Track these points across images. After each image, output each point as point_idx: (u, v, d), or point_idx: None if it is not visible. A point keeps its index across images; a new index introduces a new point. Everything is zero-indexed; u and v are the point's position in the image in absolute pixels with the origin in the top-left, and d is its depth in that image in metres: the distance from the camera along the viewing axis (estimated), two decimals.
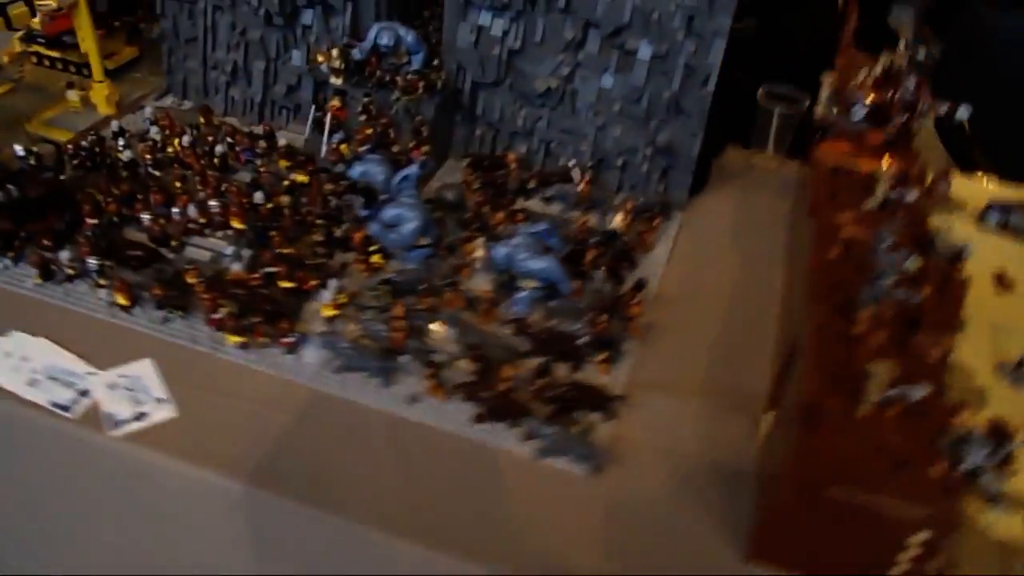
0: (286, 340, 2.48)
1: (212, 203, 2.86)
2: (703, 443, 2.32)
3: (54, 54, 3.72)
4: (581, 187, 3.15)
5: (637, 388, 2.45)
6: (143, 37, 4.05)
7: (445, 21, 3.25)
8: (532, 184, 3.22)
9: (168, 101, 3.73)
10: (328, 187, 3.05)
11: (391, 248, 2.78)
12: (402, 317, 2.47)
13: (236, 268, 2.67)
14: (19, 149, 2.86)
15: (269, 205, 2.96)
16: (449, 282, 2.69)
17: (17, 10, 3.07)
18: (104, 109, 3.62)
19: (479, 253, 2.78)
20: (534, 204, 3.21)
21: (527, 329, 2.55)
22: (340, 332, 2.53)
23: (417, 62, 3.22)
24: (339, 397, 2.41)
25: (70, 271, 2.69)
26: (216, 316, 2.53)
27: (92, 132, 3.26)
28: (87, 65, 3.69)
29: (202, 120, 3.46)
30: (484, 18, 3.15)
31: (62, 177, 2.84)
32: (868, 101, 2.91)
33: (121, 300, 2.59)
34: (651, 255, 2.99)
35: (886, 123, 2.90)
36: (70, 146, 3.15)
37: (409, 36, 3.16)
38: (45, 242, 2.79)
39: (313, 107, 3.25)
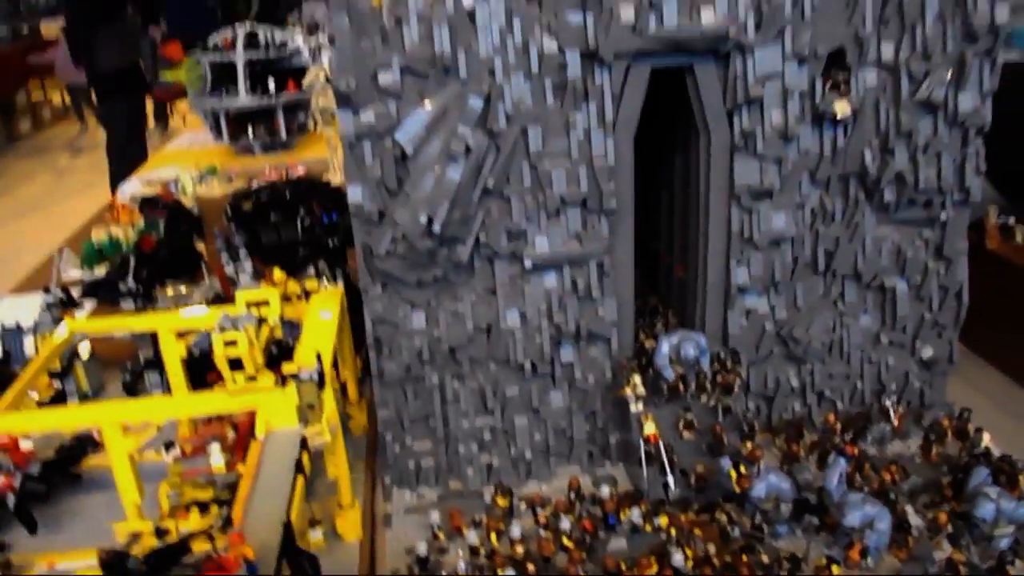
0: None
1: None
2: None
3: None
4: (897, 422, 3.26)
5: None
6: None
7: (705, 310, 3.27)
8: (839, 438, 3.26)
9: (406, 496, 3.18)
10: (721, 517, 2.81)
11: (874, 552, 2.63)
12: None
13: None
14: None
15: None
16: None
17: None
18: (354, 535, 2.96)
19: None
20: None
21: None
22: None
23: (705, 361, 3.18)
24: None
25: None
26: None
27: None
28: None
29: (500, 503, 3.01)
30: (752, 300, 3.25)
31: None
32: None
33: None
34: None
35: None
36: None
37: (702, 339, 3.13)
38: None
39: (643, 442, 3.01)
